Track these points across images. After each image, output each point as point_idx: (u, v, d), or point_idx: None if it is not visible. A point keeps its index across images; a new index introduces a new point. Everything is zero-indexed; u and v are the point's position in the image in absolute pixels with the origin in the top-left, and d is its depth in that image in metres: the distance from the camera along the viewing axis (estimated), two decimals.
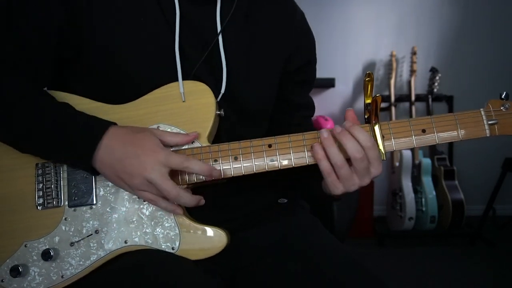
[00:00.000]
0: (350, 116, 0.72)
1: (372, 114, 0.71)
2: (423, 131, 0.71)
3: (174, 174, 0.71)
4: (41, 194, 0.72)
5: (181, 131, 0.73)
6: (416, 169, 2.62)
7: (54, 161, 0.73)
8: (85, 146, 0.67)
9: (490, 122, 0.71)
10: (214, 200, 0.79)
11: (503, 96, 0.72)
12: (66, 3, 0.72)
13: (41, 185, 0.73)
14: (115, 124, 0.70)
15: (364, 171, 0.69)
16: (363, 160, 0.67)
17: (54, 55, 0.75)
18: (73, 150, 0.68)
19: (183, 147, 0.72)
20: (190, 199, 0.68)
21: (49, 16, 0.72)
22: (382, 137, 0.71)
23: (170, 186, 0.66)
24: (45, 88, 0.78)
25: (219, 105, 0.75)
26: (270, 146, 0.72)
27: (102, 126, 0.68)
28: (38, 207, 0.72)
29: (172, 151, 0.70)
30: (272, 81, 0.87)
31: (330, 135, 0.69)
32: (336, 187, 0.70)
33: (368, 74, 0.69)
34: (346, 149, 0.67)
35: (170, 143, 0.71)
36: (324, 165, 0.68)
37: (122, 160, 0.66)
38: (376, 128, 0.71)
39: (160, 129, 0.73)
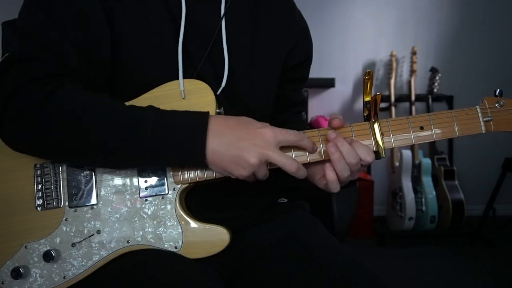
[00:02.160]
0: (335, 123, 0.73)
1: (371, 112, 0.71)
2: (421, 128, 0.73)
3: (175, 171, 0.71)
4: (40, 195, 0.72)
5: None
6: (416, 169, 2.62)
7: (161, 166, 0.71)
8: (195, 139, 0.64)
9: (485, 119, 0.73)
10: (214, 199, 0.79)
11: (497, 93, 0.74)
12: None
13: (40, 186, 0.72)
14: (209, 112, 0.68)
15: (357, 171, 0.72)
16: (358, 163, 0.70)
17: (110, 54, 0.73)
18: (183, 146, 0.64)
19: None
20: (305, 172, 0.68)
21: (93, 13, 0.70)
22: (381, 134, 0.72)
23: (290, 160, 0.66)
24: None
25: (219, 104, 0.75)
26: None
27: (203, 115, 0.66)
28: (38, 208, 0.72)
29: None
30: (273, 77, 0.87)
31: (338, 135, 0.70)
32: (336, 185, 0.71)
33: (367, 73, 0.70)
34: (344, 155, 0.69)
35: None
36: (341, 165, 0.69)
37: (235, 143, 0.64)
38: (376, 126, 0.72)
39: None
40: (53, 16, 0.68)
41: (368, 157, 0.69)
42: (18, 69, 0.66)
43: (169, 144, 0.64)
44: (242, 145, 0.64)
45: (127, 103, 0.73)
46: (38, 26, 0.68)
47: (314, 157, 0.72)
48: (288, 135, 0.67)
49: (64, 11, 0.69)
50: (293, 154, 0.72)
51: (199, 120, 0.65)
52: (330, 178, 0.70)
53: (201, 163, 0.66)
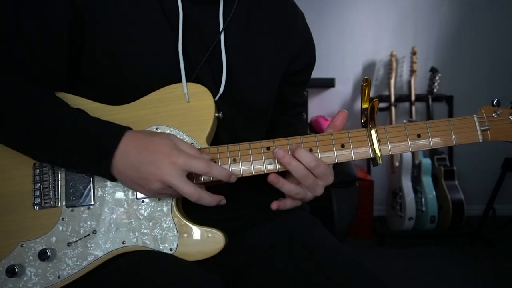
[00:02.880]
0: (341, 120, 0.74)
1: (368, 119, 0.72)
2: (418, 136, 0.73)
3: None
4: (38, 194, 0.72)
5: (181, 133, 0.73)
6: (416, 169, 2.62)
7: (69, 168, 0.73)
8: (101, 156, 0.66)
9: (482, 128, 0.74)
10: None
11: (494, 103, 0.75)
12: (73, 0, 0.71)
13: (38, 185, 0.72)
14: (130, 129, 0.69)
15: (313, 185, 0.71)
16: (308, 177, 0.69)
17: (66, 55, 0.74)
18: (90, 159, 0.67)
19: None
20: (211, 200, 0.67)
21: (59, 14, 0.71)
22: (379, 141, 0.72)
23: (191, 189, 0.65)
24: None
25: (218, 108, 0.75)
26: (268, 148, 0.72)
27: (116, 132, 0.67)
28: (35, 207, 0.72)
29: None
30: (272, 82, 0.87)
31: (285, 153, 0.69)
32: (288, 203, 0.74)
33: (365, 79, 0.70)
34: (290, 170, 0.69)
35: (181, 149, 0.69)
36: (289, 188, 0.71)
37: (138, 167, 0.65)
38: (373, 132, 0.72)
39: (159, 130, 0.73)
40: (17, 13, 0.70)
41: (310, 163, 0.68)
42: None
43: (78, 153, 0.68)
44: (144, 170, 0.65)
45: (126, 105, 0.73)
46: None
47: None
48: (195, 164, 0.65)
49: (29, 9, 0.71)
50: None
51: (111, 137, 0.67)
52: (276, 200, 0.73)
53: (108, 177, 0.69)
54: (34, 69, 0.72)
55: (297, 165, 0.69)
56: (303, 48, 0.89)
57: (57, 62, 0.74)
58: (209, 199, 0.66)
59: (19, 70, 0.71)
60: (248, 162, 0.72)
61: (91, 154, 0.67)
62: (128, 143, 0.66)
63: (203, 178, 0.71)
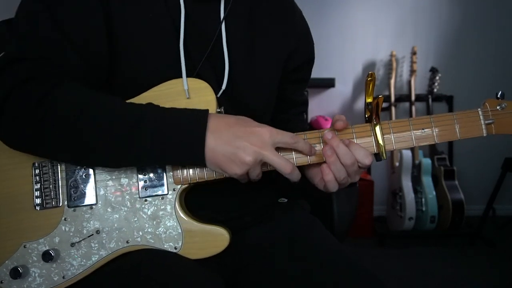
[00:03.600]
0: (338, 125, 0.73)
1: (373, 114, 0.71)
2: (423, 130, 0.73)
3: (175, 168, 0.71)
4: (38, 194, 0.72)
5: None
6: (416, 169, 2.62)
7: (160, 164, 0.71)
8: (195, 137, 0.65)
9: (487, 122, 0.73)
10: (214, 199, 0.79)
11: (498, 96, 0.74)
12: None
13: (38, 185, 0.72)
14: (208, 110, 0.68)
15: (356, 172, 0.71)
16: (354, 164, 0.69)
17: (107, 53, 0.72)
18: (182, 145, 0.65)
19: None
20: (299, 175, 0.68)
21: (93, 13, 0.70)
22: (383, 136, 0.72)
23: (284, 160, 0.66)
24: None
25: (219, 103, 0.75)
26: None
27: (202, 113, 0.67)
28: (37, 208, 0.72)
29: None
30: (273, 79, 0.87)
31: (334, 135, 0.70)
32: (334, 185, 0.71)
33: (370, 74, 0.69)
34: (338, 153, 0.69)
35: None
36: (336, 167, 0.69)
37: (231, 141, 0.65)
38: (377, 128, 0.72)
39: None
40: (51, 14, 0.68)
41: (366, 160, 0.69)
42: (14, 68, 0.65)
43: (168, 143, 0.65)
44: (238, 143, 0.64)
45: (128, 101, 0.73)
46: (34, 25, 0.68)
47: (314, 159, 0.72)
48: (285, 137, 0.67)
49: (62, 9, 0.69)
50: (293, 156, 0.71)
51: (199, 118, 0.66)
52: (328, 179, 0.70)
53: (199, 160, 0.66)
54: (86, 72, 0.70)
55: (345, 149, 0.68)
56: (301, 44, 0.90)
57: (102, 62, 0.72)
58: (298, 174, 0.67)
59: (68, 72, 0.69)
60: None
61: (183, 138, 0.65)
62: (216, 120, 0.66)
63: (197, 177, 0.72)
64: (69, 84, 0.67)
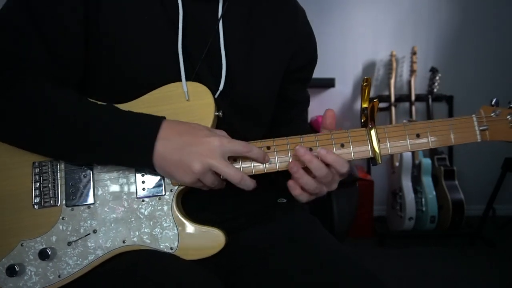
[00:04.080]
0: (329, 116, 0.74)
1: (368, 119, 0.72)
2: (418, 135, 0.74)
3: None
4: (37, 193, 0.72)
5: None
6: (416, 169, 2.62)
7: (109, 163, 0.72)
8: (143, 144, 0.66)
9: (481, 128, 0.74)
10: (212, 200, 0.79)
11: (493, 103, 0.75)
12: None
13: (38, 184, 0.72)
14: (164, 118, 0.69)
15: (331, 182, 0.72)
16: (328, 175, 0.70)
17: (82, 53, 0.73)
18: (131, 149, 0.67)
19: None
20: (250, 183, 0.68)
21: (71, 11, 0.71)
22: (378, 141, 0.72)
23: (234, 170, 0.66)
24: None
25: (218, 106, 0.75)
26: (268, 148, 0.72)
27: (156, 120, 0.68)
28: (35, 206, 0.72)
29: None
30: (273, 79, 0.87)
31: (306, 151, 0.70)
32: (304, 198, 0.72)
33: (365, 79, 0.71)
34: (311, 168, 0.69)
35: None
36: (304, 180, 0.70)
37: (180, 149, 0.65)
38: (372, 132, 0.72)
39: None
40: (32, 13, 0.69)
41: (343, 169, 0.70)
42: None
43: (118, 145, 0.66)
44: (186, 151, 0.65)
45: (127, 104, 0.73)
46: (11, 19, 0.70)
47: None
48: (236, 146, 0.68)
49: (40, 6, 0.70)
50: (290, 157, 0.71)
51: (151, 124, 0.67)
52: (295, 193, 0.71)
53: (148, 166, 0.68)
54: (54, 69, 0.71)
55: (318, 163, 0.69)
56: (303, 45, 0.89)
57: (75, 60, 0.73)
58: (249, 182, 0.68)
59: (40, 71, 0.70)
60: (249, 161, 0.72)
61: (133, 143, 0.66)
62: (168, 128, 0.67)
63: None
64: (36, 79, 0.69)
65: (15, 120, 0.68)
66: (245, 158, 0.71)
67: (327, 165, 0.70)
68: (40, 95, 0.68)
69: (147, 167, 0.69)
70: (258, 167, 0.72)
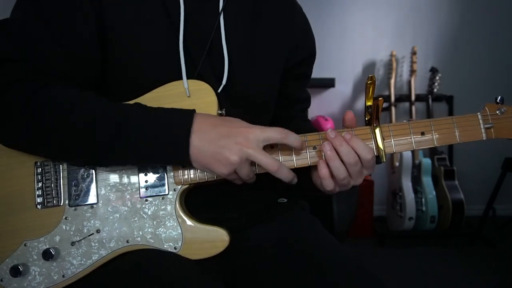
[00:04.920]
0: (348, 119, 0.73)
1: (373, 117, 0.72)
2: (422, 133, 0.73)
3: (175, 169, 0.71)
4: (40, 193, 0.72)
5: None
6: (416, 169, 2.62)
7: (145, 163, 0.71)
8: (179, 139, 0.65)
9: (486, 126, 0.74)
10: (214, 200, 0.79)
11: (498, 100, 0.74)
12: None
13: (40, 184, 0.72)
14: (195, 110, 0.68)
15: (357, 173, 0.70)
16: (357, 164, 0.69)
17: (98, 53, 0.73)
18: (167, 147, 0.65)
19: None
20: (288, 173, 0.67)
21: (84, 12, 0.71)
22: (383, 139, 0.72)
23: (270, 159, 0.65)
24: None
25: (221, 105, 0.75)
26: (272, 147, 0.72)
27: (188, 113, 0.67)
28: (38, 206, 0.72)
29: None
30: (274, 75, 0.87)
31: (337, 134, 0.70)
32: (329, 183, 0.70)
33: (370, 77, 0.70)
34: (340, 153, 0.68)
35: None
36: (335, 164, 0.68)
37: (216, 140, 0.65)
38: (377, 130, 0.72)
39: None
40: (42, 16, 0.69)
41: (368, 155, 0.68)
42: (4, 69, 0.66)
43: (153, 143, 0.65)
44: (223, 142, 0.65)
45: (129, 103, 0.73)
46: (26, 26, 0.69)
47: (314, 160, 0.71)
48: (272, 133, 0.67)
49: (53, 11, 0.70)
50: (294, 158, 0.71)
51: (184, 118, 0.66)
52: (322, 174, 0.69)
53: (185, 160, 0.66)
54: (74, 73, 0.70)
55: (348, 148, 0.68)
56: (301, 40, 0.90)
57: (92, 63, 0.73)
58: (287, 171, 0.67)
59: (57, 74, 0.69)
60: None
61: (168, 140, 0.65)
62: (201, 120, 0.66)
63: (206, 177, 0.72)
64: (56, 85, 0.67)
65: (44, 126, 0.65)
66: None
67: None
68: (65, 100, 0.66)
69: (184, 163, 0.68)
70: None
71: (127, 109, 0.67)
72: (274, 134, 0.67)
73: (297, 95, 0.97)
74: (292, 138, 0.68)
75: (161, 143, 0.65)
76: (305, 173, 0.76)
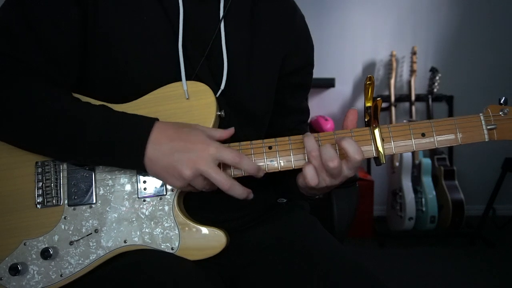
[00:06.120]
0: (350, 118, 0.72)
1: (372, 118, 0.71)
2: (423, 135, 0.72)
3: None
4: (40, 192, 0.72)
5: None
6: (416, 169, 2.62)
7: (102, 164, 0.73)
8: (134, 147, 0.66)
9: (489, 127, 0.72)
10: (213, 200, 0.79)
11: (501, 101, 0.73)
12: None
13: (40, 183, 0.72)
14: (157, 119, 0.69)
15: (338, 174, 0.69)
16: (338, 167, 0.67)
17: (78, 54, 0.74)
18: (123, 152, 0.66)
19: None
20: (242, 191, 0.67)
21: (66, 11, 0.71)
22: (382, 140, 0.71)
23: (223, 177, 0.65)
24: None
25: (220, 106, 0.75)
26: (270, 148, 0.72)
27: (148, 123, 0.67)
28: (38, 206, 0.72)
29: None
30: (271, 80, 0.87)
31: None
32: (313, 175, 0.68)
33: (369, 78, 0.69)
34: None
35: (214, 137, 0.69)
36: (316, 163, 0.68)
37: (170, 154, 0.65)
38: (376, 131, 0.71)
39: None
40: (26, 14, 0.70)
41: (357, 156, 0.66)
42: None
43: (111, 148, 0.66)
44: (176, 157, 0.65)
45: (127, 104, 0.73)
46: (8, 22, 0.70)
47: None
48: (227, 154, 0.66)
49: (37, 10, 0.70)
50: (292, 157, 0.71)
51: (142, 128, 0.67)
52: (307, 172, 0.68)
53: (139, 168, 0.67)
54: (49, 70, 0.71)
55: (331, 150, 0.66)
56: (299, 47, 0.89)
57: (70, 61, 0.73)
58: (240, 189, 0.66)
59: (36, 72, 0.70)
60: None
61: (124, 146, 0.66)
62: (160, 132, 0.66)
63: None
64: (31, 81, 0.69)
65: (10, 119, 0.68)
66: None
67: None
68: (33, 94, 0.68)
69: (139, 169, 0.69)
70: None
71: (91, 110, 0.68)
72: (229, 156, 0.66)
73: (293, 105, 0.94)
74: (245, 164, 0.67)
75: (117, 150, 0.66)
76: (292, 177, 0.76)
